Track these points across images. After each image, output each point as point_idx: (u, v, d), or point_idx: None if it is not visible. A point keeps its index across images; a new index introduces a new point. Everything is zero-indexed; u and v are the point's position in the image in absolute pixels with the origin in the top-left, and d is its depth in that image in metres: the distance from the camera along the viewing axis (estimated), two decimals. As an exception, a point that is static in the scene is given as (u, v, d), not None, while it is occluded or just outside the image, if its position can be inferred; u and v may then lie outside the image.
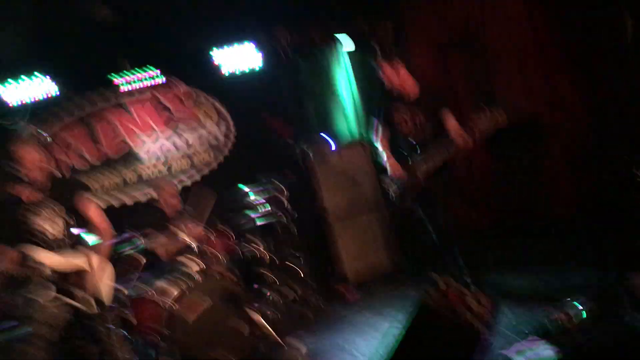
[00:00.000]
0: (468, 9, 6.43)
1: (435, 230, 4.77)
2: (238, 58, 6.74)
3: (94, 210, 4.05)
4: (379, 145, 4.92)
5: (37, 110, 6.02)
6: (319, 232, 6.32)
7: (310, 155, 6.33)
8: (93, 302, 3.89)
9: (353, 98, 7.30)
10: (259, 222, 5.56)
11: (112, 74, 6.34)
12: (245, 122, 7.00)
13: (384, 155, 4.84)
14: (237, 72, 6.80)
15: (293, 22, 6.84)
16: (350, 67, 7.27)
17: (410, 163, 4.65)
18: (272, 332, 4.80)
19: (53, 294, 3.80)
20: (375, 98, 6.88)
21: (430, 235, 4.85)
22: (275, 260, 5.64)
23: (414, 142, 4.66)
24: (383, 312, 4.86)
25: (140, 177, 6.61)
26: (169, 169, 6.72)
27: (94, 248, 4.01)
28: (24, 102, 5.92)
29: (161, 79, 6.54)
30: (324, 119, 7.34)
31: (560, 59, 5.82)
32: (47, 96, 6.00)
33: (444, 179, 4.57)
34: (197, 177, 6.80)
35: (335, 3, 6.84)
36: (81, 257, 3.93)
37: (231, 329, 4.67)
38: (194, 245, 4.92)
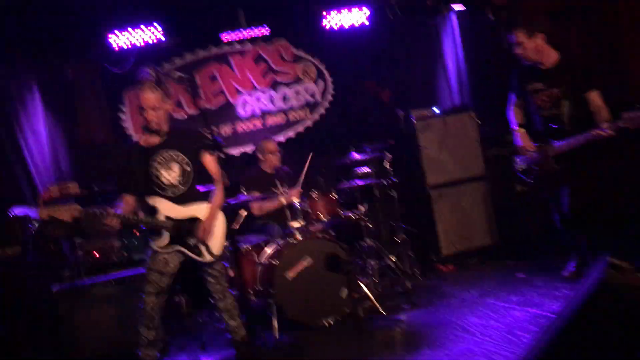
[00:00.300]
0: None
1: (559, 212, 4.49)
2: (344, 16, 6.44)
3: (209, 159, 3.91)
4: (512, 118, 4.66)
5: (144, 58, 5.94)
6: (418, 201, 6.05)
7: (414, 120, 6.01)
8: (205, 251, 3.78)
9: (458, 63, 6.91)
10: (359, 187, 5.31)
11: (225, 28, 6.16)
12: (346, 83, 6.77)
13: (516, 129, 4.59)
14: (341, 30, 6.51)
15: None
16: (459, 29, 6.86)
17: (543, 141, 4.38)
18: (373, 299, 4.62)
19: (166, 240, 3.72)
20: (492, 65, 6.52)
21: (554, 215, 4.56)
22: (374, 226, 5.43)
23: (549, 119, 4.37)
24: (492, 291, 4.58)
25: (235, 131, 6.49)
26: (264, 124, 6.57)
27: (208, 197, 3.89)
28: (134, 48, 5.84)
29: (264, 32, 6.32)
30: (428, 83, 7.02)
31: None
32: (155, 45, 5.90)
33: (576, 162, 4.24)
34: (292, 134, 6.63)
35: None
36: (195, 205, 3.81)
37: (330, 291, 4.53)
38: (295, 203, 4.76)
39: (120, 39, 5.81)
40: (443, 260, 5.89)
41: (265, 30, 6.30)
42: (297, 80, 6.68)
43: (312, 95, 6.74)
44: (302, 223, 4.74)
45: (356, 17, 6.50)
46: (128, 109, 6.22)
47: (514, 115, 4.66)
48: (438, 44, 7.02)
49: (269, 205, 5.25)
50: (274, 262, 4.52)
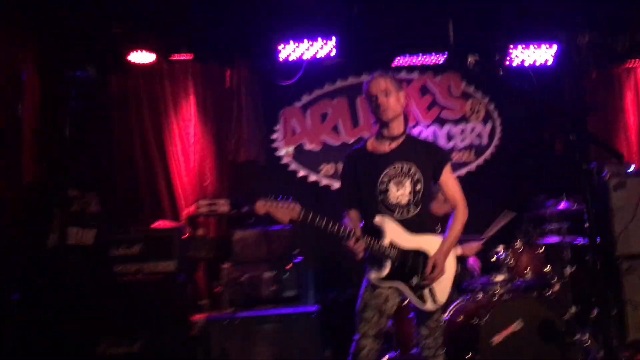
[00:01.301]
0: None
1: None
2: (530, 53, 5.74)
3: (452, 178, 3.17)
4: None
5: (310, 74, 5.41)
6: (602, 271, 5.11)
7: (607, 176, 5.16)
8: (428, 295, 3.00)
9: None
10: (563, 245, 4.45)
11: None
12: (517, 127, 6.02)
13: None
14: (520, 68, 5.81)
15: (598, 27, 5.77)
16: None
17: None
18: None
19: (386, 271, 2.96)
20: None
21: None
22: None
23: None
24: None
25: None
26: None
27: (445, 232, 3.13)
28: (301, 61, 5.27)
29: (437, 60, 5.68)
30: (606, 138, 6.20)
31: None
32: (323, 59, 5.31)
33: None
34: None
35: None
36: (426, 236, 3.06)
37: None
38: (500, 256, 3.96)
39: (287, 50, 5.25)
40: (630, 346, 4.91)
41: (440, 59, 5.65)
42: (463, 118, 5.98)
43: (479, 137, 6.01)
44: (506, 277, 3.92)
45: (542, 54, 5.78)
46: (282, 127, 5.63)
47: None
48: (620, 95, 6.23)
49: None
50: (474, 321, 3.70)
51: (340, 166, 5.68)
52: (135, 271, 3.99)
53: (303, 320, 4.17)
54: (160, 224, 4.72)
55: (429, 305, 3.02)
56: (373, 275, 2.98)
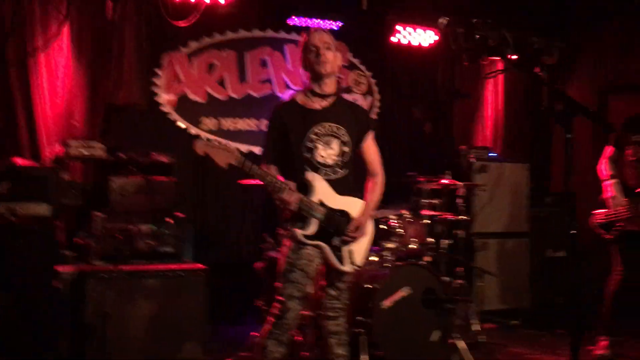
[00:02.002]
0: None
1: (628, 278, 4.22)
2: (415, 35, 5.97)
3: (372, 145, 3.15)
4: (604, 169, 4.37)
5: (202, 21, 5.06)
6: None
7: (473, 159, 5.59)
8: (347, 257, 2.98)
9: (497, 112, 6.71)
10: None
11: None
12: (394, 106, 6.23)
13: (608, 180, 4.33)
14: (405, 49, 6.02)
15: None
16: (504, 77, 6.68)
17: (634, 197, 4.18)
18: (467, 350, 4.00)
19: (311, 230, 2.87)
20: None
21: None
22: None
23: None
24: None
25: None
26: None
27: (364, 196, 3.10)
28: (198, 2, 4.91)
29: (333, 26, 5.65)
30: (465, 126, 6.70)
31: None
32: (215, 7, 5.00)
33: None
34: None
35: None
36: (350, 198, 3.02)
37: (421, 331, 3.86)
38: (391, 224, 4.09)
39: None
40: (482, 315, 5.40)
41: (334, 26, 5.63)
42: (347, 89, 6.03)
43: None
44: (396, 245, 4.06)
45: (425, 38, 6.03)
46: (165, 73, 5.20)
47: (607, 167, 4.38)
48: (483, 86, 6.76)
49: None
50: (370, 286, 3.78)
51: (223, 121, 5.47)
52: (6, 212, 3.42)
53: (187, 278, 3.92)
54: (18, 161, 4.12)
55: (347, 267, 2.99)
56: (299, 233, 2.87)
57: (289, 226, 2.93)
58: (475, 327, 4.55)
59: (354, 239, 2.98)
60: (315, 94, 3.00)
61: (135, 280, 3.75)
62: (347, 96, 5.93)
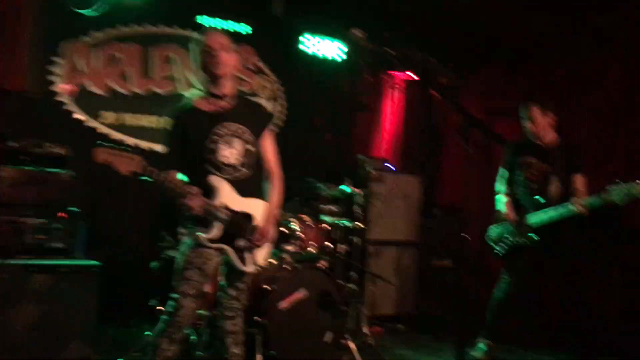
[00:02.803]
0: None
1: (515, 287, 4.46)
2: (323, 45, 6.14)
3: (271, 144, 3.20)
4: (499, 187, 4.66)
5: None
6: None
7: (371, 169, 5.81)
8: (249, 259, 3.03)
9: (396, 125, 7.03)
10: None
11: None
12: (300, 115, 6.36)
13: (502, 197, 4.60)
14: (314, 59, 6.17)
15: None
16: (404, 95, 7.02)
17: (522, 212, 4.45)
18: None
19: (218, 233, 2.89)
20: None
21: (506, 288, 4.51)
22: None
23: (537, 191, 4.45)
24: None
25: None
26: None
27: (266, 196, 3.15)
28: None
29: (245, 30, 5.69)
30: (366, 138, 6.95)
31: None
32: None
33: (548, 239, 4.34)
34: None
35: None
36: (255, 200, 3.06)
37: (316, 332, 3.98)
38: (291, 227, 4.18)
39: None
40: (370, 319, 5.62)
41: (244, 30, 5.66)
42: (253, 94, 6.06)
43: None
44: (295, 247, 4.15)
45: (333, 49, 6.21)
46: (64, 61, 4.98)
47: (501, 185, 4.66)
48: (382, 99, 7.05)
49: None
50: (268, 287, 3.83)
51: (123, 116, 5.31)
52: None
53: (77, 275, 3.77)
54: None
55: (249, 268, 3.04)
56: (202, 236, 2.88)
57: (192, 229, 2.93)
58: (365, 330, 4.73)
59: (258, 246, 3.04)
60: (213, 95, 3.02)
61: (22, 276, 3.56)
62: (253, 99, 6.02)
